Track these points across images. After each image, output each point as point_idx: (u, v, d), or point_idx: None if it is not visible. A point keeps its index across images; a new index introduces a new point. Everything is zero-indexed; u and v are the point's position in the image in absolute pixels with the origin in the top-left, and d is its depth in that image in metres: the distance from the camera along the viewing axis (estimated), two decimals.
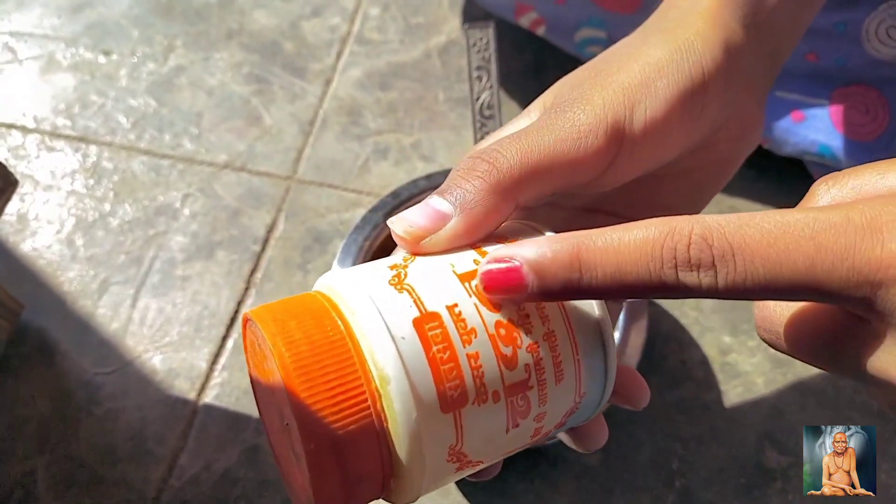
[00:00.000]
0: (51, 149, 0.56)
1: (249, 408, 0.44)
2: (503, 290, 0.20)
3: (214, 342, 0.47)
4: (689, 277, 0.18)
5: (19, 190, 0.53)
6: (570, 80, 0.26)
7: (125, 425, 0.44)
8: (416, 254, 0.23)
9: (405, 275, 0.21)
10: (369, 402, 0.19)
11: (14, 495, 0.41)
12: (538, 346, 0.21)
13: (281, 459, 0.24)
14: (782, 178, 0.53)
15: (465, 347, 0.20)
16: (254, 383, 0.24)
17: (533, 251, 0.20)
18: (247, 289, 0.49)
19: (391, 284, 0.21)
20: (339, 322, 0.20)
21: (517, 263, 0.20)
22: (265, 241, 0.51)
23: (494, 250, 0.21)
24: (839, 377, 0.44)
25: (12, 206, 0.53)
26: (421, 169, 0.55)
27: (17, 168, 0.55)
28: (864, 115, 0.46)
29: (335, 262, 0.42)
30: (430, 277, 0.21)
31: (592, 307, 0.22)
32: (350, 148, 0.56)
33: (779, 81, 0.48)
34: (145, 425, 0.44)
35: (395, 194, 0.45)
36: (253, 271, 0.50)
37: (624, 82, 0.24)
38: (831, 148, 0.47)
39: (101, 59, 0.61)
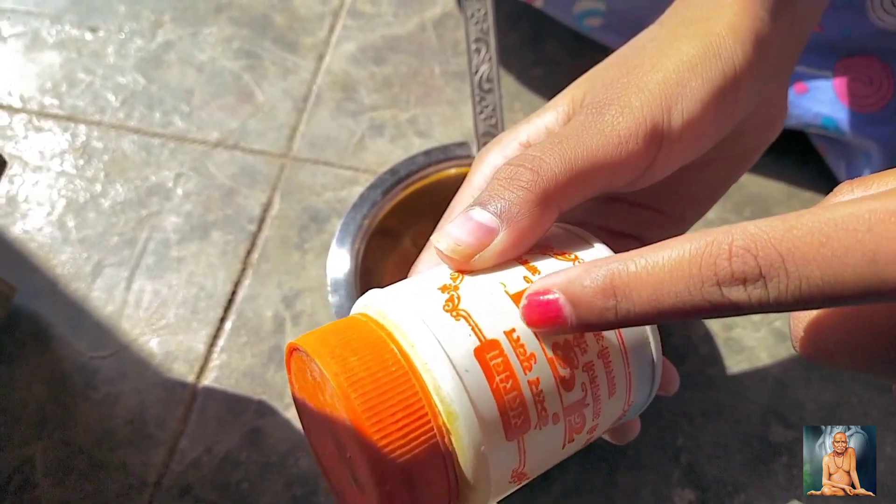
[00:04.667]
0: (39, 129, 0.55)
1: (249, 390, 0.44)
2: (544, 324, 0.19)
3: (212, 324, 0.46)
4: (735, 293, 0.16)
5: (7, 171, 0.52)
6: (600, 77, 0.25)
7: (124, 409, 0.43)
8: (462, 272, 0.22)
9: (458, 299, 0.21)
10: (437, 439, 0.19)
11: (12, 482, 0.41)
12: (593, 365, 0.21)
13: (332, 478, 0.24)
14: (784, 150, 0.53)
15: (525, 374, 0.20)
16: (301, 406, 0.24)
17: (566, 281, 0.19)
18: (243, 269, 0.48)
19: (446, 311, 0.20)
20: (399, 354, 0.20)
21: (554, 296, 0.19)
22: (261, 221, 0.50)
23: (536, 281, 0.20)
24: None
25: (1, 188, 0.51)
26: (418, 145, 0.54)
27: (4, 149, 0.53)
28: (868, 86, 0.45)
29: (334, 242, 0.42)
30: (485, 301, 0.21)
31: None
32: (345, 124, 0.55)
33: None
34: (144, 409, 0.43)
35: (392, 171, 0.45)
36: (249, 251, 0.49)
37: (659, 82, 0.24)
38: (835, 120, 0.46)
39: (88, 35, 0.60)
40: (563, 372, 0.20)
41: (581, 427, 0.21)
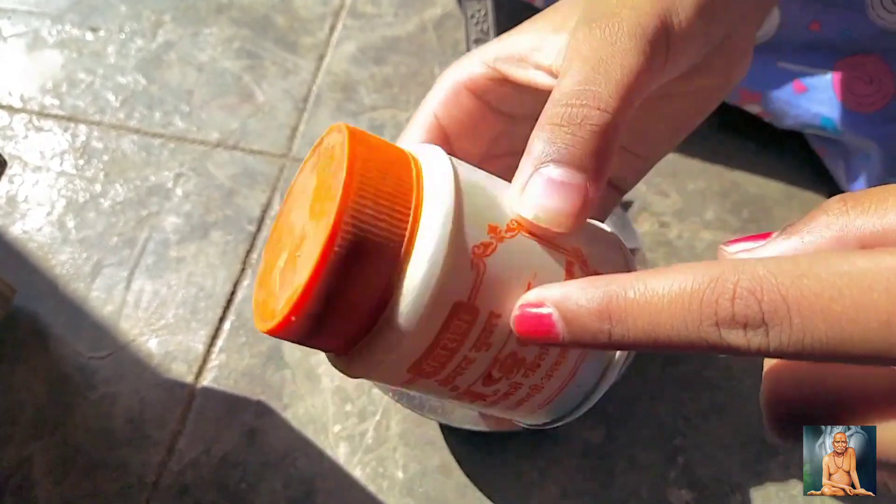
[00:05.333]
0: (39, 129, 0.55)
1: (247, 390, 0.44)
2: (535, 336, 0.19)
3: (211, 324, 0.46)
4: (733, 336, 0.15)
5: (7, 171, 0.52)
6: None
7: (122, 409, 0.43)
8: (525, 230, 0.21)
9: (493, 250, 0.20)
10: (404, 236, 0.19)
11: (11, 482, 0.41)
12: (528, 379, 0.21)
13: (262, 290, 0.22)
14: (783, 150, 0.53)
15: (465, 346, 0.20)
16: (285, 205, 0.22)
17: (562, 297, 0.18)
18: (243, 269, 0.49)
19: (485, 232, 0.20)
20: (414, 172, 0.20)
21: (548, 310, 0.18)
22: (260, 221, 0.51)
23: (530, 291, 0.19)
24: None
25: (0, 188, 0.52)
26: None
27: (4, 149, 0.53)
28: (868, 86, 0.45)
29: None
30: (504, 278, 0.20)
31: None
32: None
33: (780, 52, 0.47)
34: (143, 409, 0.43)
35: None
36: (249, 252, 0.49)
37: None
38: (833, 120, 0.46)
39: (89, 35, 0.60)
40: (496, 374, 0.20)
41: (483, 397, 0.22)
